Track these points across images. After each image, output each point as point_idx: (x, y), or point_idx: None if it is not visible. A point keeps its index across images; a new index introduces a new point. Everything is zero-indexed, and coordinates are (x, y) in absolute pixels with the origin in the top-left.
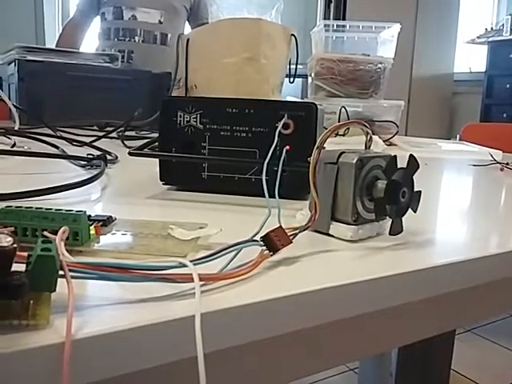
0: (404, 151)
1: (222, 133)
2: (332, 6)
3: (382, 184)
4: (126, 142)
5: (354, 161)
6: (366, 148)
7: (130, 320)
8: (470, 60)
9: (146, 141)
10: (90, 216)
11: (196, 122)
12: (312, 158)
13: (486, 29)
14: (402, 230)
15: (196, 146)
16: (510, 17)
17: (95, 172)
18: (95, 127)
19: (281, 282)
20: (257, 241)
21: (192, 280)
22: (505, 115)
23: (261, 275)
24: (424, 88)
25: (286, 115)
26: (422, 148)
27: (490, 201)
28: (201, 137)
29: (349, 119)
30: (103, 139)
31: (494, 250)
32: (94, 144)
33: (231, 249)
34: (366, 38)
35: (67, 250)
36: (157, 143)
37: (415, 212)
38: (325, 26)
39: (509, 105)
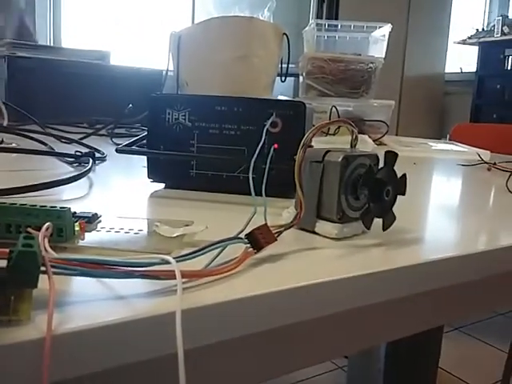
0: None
1: (210, 130)
2: (325, 5)
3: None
4: (115, 140)
5: (340, 159)
6: (351, 147)
7: (110, 316)
8: (461, 60)
9: (135, 138)
10: (74, 213)
11: (184, 119)
12: (297, 156)
13: (477, 29)
14: (369, 229)
15: (184, 143)
16: (501, 18)
17: (83, 169)
18: (85, 124)
19: (265, 278)
20: (241, 238)
21: (175, 277)
22: (495, 116)
23: (245, 272)
24: (415, 88)
25: (274, 114)
26: (412, 147)
27: (475, 200)
28: (189, 134)
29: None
30: (93, 136)
31: (481, 247)
32: (83, 141)
33: (216, 246)
34: (358, 38)
35: (51, 247)
36: (145, 140)
37: (384, 231)
38: (317, 25)
39: (499, 105)
